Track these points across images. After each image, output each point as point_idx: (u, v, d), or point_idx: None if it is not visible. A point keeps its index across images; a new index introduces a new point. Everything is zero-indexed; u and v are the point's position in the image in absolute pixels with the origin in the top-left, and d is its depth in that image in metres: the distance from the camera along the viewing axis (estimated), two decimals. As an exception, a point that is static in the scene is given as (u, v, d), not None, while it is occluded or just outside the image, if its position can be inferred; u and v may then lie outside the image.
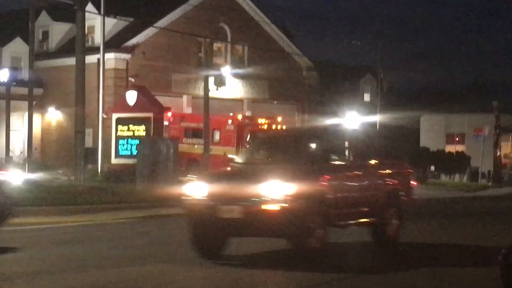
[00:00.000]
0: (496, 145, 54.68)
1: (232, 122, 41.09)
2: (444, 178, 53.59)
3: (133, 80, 42.27)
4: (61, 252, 15.59)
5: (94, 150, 38.88)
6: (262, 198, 13.48)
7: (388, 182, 16.53)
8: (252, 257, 15.01)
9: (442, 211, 29.82)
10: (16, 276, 12.57)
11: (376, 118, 54.99)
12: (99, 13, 40.02)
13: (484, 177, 53.14)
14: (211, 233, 14.21)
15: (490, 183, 51.87)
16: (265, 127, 41.03)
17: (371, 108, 57.03)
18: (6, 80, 37.77)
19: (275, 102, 49.68)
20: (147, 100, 38.36)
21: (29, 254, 15.20)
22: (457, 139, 60.96)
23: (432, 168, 52.09)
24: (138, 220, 23.42)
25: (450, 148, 57.69)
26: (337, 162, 15.32)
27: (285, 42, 50.70)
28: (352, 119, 55.18)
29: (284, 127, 41.94)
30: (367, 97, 62.13)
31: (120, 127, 38.02)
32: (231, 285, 12.31)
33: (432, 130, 61.65)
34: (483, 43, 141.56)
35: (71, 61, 33.40)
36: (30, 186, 29.10)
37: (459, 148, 58.25)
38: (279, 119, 43.17)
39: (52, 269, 13.24)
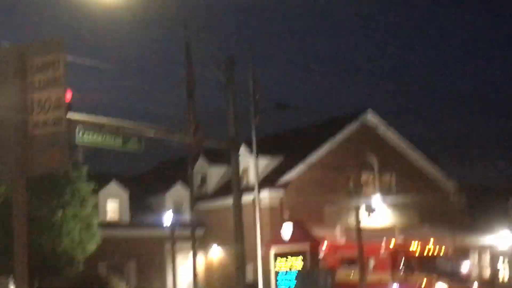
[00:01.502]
0: None
1: (385, 249, 41.73)
2: None
3: (287, 215, 43.73)
4: None
5: (255, 284, 40.05)
6: None
7: None
8: None
9: None
10: None
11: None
12: (252, 154, 42.15)
13: None
14: None
15: None
16: (418, 250, 41.39)
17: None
18: (170, 224, 40.21)
19: (426, 226, 50.03)
20: (302, 233, 39.84)
21: None
22: None
23: None
24: None
25: None
26: None
27: (430, 166, 51.52)
28: (504, 238, 54.93)
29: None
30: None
31: (278, 260, 39.68)
32: None
33: None
34: None
35: (228, 201, 33.58)
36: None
37: None
38: (431, 242, 43.47)
39: None
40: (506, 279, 57.06)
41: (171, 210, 42.86)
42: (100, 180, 40.57)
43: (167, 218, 41.10)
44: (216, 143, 31.46)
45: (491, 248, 55.72)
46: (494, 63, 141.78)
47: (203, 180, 50.07)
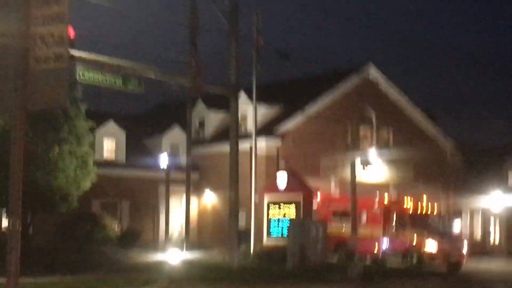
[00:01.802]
0: None
1: (378, 204, 41.82)
2: None
3: (283, 164, 43.74)
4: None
5: (247, 231, 40.07)
6: None
7: None
8: None
9: None
10: None
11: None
12: (251, 101, 41.96)
13: None
14: None
15: None
16: (411, 208, 41.47)
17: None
18: (166, 166, 40.15)
19: (420, 183, 50.13)
20: (297, 183, 39.83)
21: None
22: None
23: None
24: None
25: None
26: None
27: (428, 124, 51.46)
28: (497, 199, 55.14)
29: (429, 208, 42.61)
30: (512, 176, 61.55)
31: (271, 206, 39.70)
32: None
33: None
34: None
35: (225, 147, 34.22)
36: (187, 265, 30.98)
37: None
38: (424, 199, 43.56)
39: None
40: (497, 241, 57.27)
41: (167, 153, 42.78)
42: (97, 118, 40.49)
43: (163, 160, 41.01)
44: (216, 88, 31.38)
45: (483, 209, 55.97)
46: (496, 22, 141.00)
47: (201, 124, 50.00)
